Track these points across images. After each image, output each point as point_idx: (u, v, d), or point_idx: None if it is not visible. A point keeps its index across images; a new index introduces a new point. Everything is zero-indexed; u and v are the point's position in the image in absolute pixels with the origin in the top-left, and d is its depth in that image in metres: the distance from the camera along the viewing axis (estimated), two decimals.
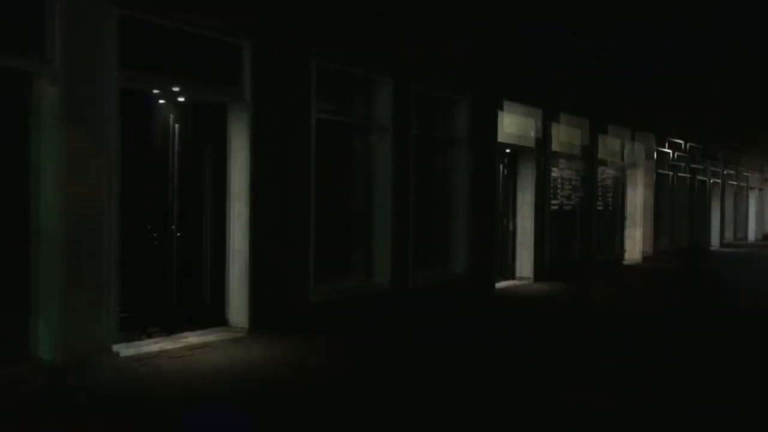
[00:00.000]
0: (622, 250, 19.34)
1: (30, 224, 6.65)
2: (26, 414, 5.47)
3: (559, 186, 15.68)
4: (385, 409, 5.89)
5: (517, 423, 5.64)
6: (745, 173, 31.41)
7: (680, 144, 22.83)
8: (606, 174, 18.18)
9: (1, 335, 6.51)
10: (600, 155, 17.41)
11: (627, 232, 19.71)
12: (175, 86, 7.90)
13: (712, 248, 26.27)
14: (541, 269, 14.53)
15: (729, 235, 29.06)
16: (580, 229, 16.55)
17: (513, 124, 13.98)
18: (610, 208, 18.53)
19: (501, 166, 13.82)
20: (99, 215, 6.93)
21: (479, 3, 12.51)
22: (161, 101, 8.04)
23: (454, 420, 5.63)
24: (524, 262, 14.42)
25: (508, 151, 14.01)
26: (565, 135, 15.83)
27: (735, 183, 30.24)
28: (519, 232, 14.44)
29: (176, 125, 8.10)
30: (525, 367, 7.46)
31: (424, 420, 5.65)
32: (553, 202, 15.35)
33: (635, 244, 20.08)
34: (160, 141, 8.07)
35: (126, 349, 7.25)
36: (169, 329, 7.93)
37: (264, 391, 6.33)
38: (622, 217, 19.38)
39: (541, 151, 14.65)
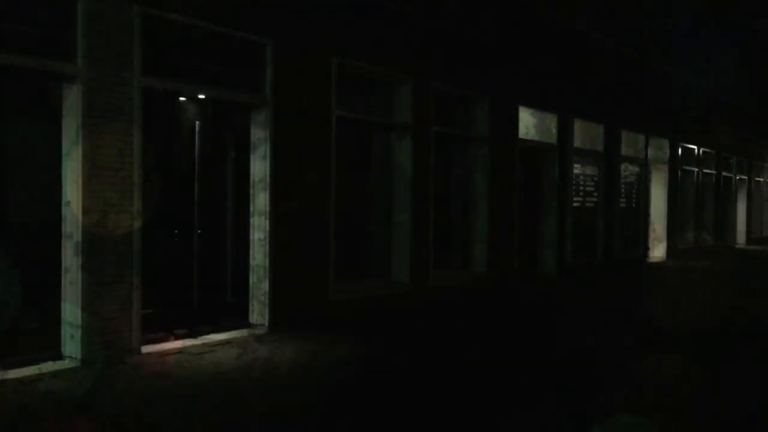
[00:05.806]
0: (646, 248, 19.16)
1: (61, 226, 6.76)
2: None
3: (581, 183, 15.57)
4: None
5: None
6: None
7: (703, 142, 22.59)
8: (629, 171, 18.01)
9: (33, 335, 6.63)
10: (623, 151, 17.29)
11: (651, 230, 19.53)
12: (198, 85, 7.95)
13: (738, 246, 25.93)
14: (562, 267, 14.49)
15: (755, 232, 28.65)
16: (603, 227, 16.42)
17: (533, 122, 13.91)
18: (634, 205, 18.36)
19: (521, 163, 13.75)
20: (125, 216, 7.01)
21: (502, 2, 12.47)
22: (184, 100, 8.10)
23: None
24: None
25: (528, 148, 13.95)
26: (586, 132, 15.73)
27: (762, 179, 29.82)
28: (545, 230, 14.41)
29: (198, 123, 8.17)
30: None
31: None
32: (575, 199, 15.26)
33: (660, 241, 19.89)
34: (183, 140, 8.14)
35: (149, 348, 7.35)
36: (192, 327, 8.01)
37: (283, 387, 6.38)
38: (646, 215, 19.19)
39: (562, 148, 14.56)
